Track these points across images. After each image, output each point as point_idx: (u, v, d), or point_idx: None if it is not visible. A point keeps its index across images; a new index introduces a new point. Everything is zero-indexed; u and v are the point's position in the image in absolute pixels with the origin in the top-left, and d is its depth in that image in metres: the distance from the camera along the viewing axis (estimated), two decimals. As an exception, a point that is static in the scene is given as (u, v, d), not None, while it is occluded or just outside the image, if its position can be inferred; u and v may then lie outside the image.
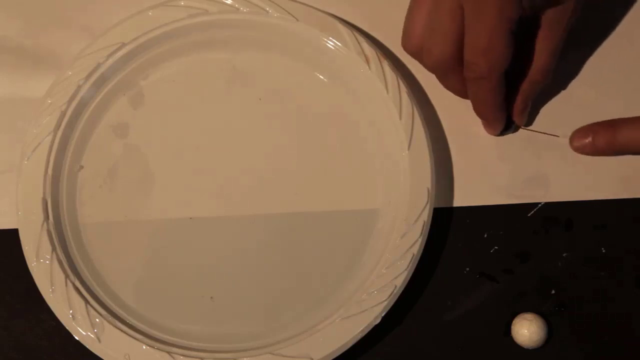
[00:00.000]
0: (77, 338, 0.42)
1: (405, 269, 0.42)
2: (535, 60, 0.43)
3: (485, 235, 0.45)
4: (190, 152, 0.46)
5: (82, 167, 0.46)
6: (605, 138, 0.45)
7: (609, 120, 0.45)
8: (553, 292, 0.44)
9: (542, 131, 0.46)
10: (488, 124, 0.46)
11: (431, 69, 0.44)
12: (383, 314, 0.42)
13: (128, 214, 0.45)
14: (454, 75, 0.44)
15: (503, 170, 0.46)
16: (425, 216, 0.43)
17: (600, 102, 0.47)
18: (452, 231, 0.45)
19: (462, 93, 0.45)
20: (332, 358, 0.42)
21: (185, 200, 0.45)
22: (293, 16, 0.46)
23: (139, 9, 0.47)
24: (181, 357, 0.42)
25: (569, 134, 0.46)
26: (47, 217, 0.44)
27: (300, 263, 0.44)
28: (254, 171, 0.46)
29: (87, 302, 0.42)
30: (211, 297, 0.44)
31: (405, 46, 0.45)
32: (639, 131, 0.44)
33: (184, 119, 0.47)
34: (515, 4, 0.39)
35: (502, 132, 0.46)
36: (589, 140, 0.45)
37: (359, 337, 0.42)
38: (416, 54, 0.45)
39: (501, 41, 0.40)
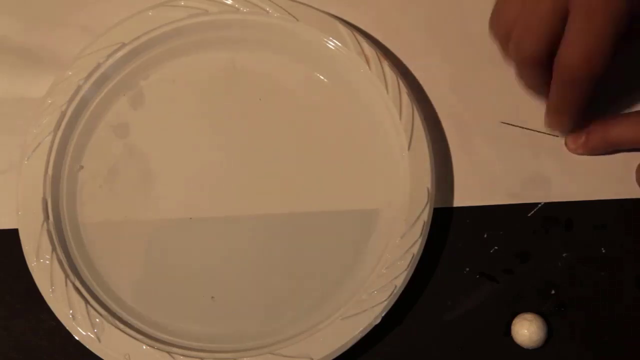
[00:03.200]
0: (77, 338, 0.42)
1: (405, 269, 0.42)
2: (566, 49, 0.39)
3: (485, 235, 0.45)
4: (190, 152, 0.46)
5: (82, 167, 0.46)
6: (598, 136, 0.45)
7: (601, 119, 0.45)
8: (553, 292, 0.44)
9: (542, 131, 0.46)
10: (559, 124, 0.44)
11: (515, 60, 0.41)
12: (383, 314, 0.42)
13: (128, 214, 0.45)
14: (538, 71, 0.41)
15: (503, 170, 0.46)
16: (425, 216, 0.43)
17: (600, 102, 0.47)
18: (452, 231, 0.45)
19: (539, 90, 0.44)
20: (332, 358, 0.42)
21: (185, 200, 0.45)
22: (293, 16, 0.46)
23: (139, 9, 0.47)
24: (181, 357, 0.42)
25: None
26: (47, 217, 0.44)
27: (301, 263, 0.44)
28: (254, 171, 0.46)
29: (87, 302, 0.42)
30: (212, 297, 0.44)
31: (493, 28, 0.42)
32: (630, 127, 0.44)
33: (184, 119, 0.47)
34: (626, 3, 0.37)
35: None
36: (582, 140, 0.45)
37: (359, 337, 0.42)
38: (502, 40, 0.42)
39: (607, 44, 0.37)
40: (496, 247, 0.45)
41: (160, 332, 0.43)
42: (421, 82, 0.48)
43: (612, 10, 0.37)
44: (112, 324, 0.42)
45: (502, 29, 0.42)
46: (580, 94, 0.40)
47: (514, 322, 0.43)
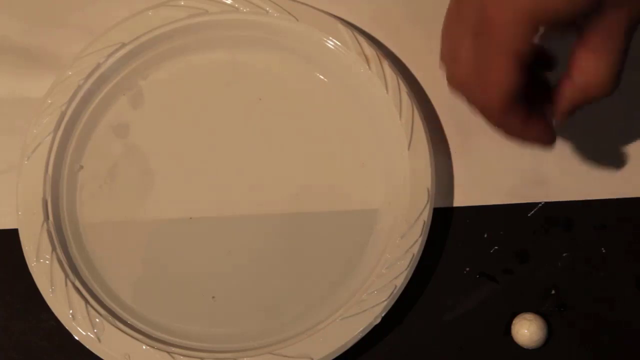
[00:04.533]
0: (77, 338, 0.42)
1: (405, 269, 0.42)
2: (583, 68, 0.36)
3: (485, 235, 0.45)
4: (190, 152, 0.46)
5: (82, 167, 0.46)
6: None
7: None
8: (553, 292, 0.44)
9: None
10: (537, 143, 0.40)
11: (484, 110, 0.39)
12: (383, 314, 0.42)
13: (128, 214, 0.45)
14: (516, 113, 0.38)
15: (503, 170, 0.46)
16: (425, 216, 0.43)
17: (601, 101, 0.47)
18: (452, 231, 0.45)
19: (524, 134, 0.39)
20: (332, 358, 0.42)
21: (185, 200, 0.45)
22: (293, 16, 0.46)
23: (139, 9, 0.47)
24: (181, 357, 0.42)
25: (568, 134, 0.46)
26: (47, 217, 0.44)
27: (300, 263, 0.44)
28: (254, 171, 0.46)
29: (87, 302, 0.42)
30: (212, 297, 0.44)
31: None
32: None
33: (184, 119, 0.47)
34: (523, 37, 0.34)
35: None
36: None
37: (359, 337, 0.42)
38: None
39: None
40: (496, 247, 0.45)
41: (160, 332, 0.43)
42: (421, 82, 0.48)
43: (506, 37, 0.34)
44: (112, 324, 0.42)
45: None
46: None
47: (514, 322, 0.43)
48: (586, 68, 0.36)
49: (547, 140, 0.39)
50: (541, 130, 0.39)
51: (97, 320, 0.42)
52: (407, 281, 0.42)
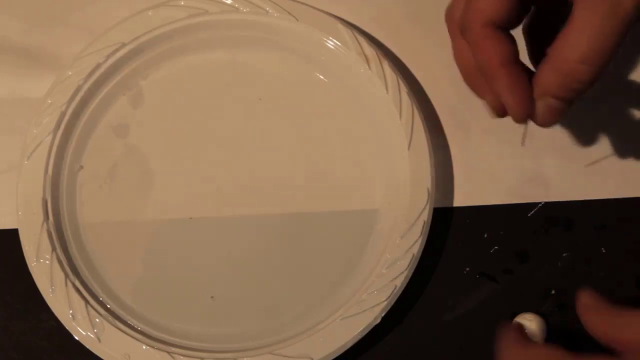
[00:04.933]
0: (77, 338, 0.42)
1: (405, 269, 0.42)
2: (562, 42, 0.33)
3: (485, 235, 0.45)
4: (190, 152, 0.46)
5: (82, 167, 0.46)
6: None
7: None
8: (553, 292, 0.44)
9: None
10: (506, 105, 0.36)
11: (463, 24, 0.36)
12: (383, 314, 0.42)
13: (128, 214, 0.45)
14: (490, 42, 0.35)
15: (503, 170, 0.46)
16: (425, 216, 0.43)
17: (601, 101, 0.47)
18: (452, 231, 0.45)
19: (492, 71, 0.35)
20: (332, 358, 0.42)
21: (185, 200, 0.45)
22: (293, 16, 0.46)
23: (139, 9, 0.46)
24: (181, 357, 0.42)
25: (568, 134, 0.46)
26: (47, 217, 0.44)
27: (301, 263, 0.44)
28: (254, 171, 0.46)
29: (87, 302, 0.42)
30: (211, 297, 0.44)
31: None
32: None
33: (184, 119, 0.47)
34: None
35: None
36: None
37: (359, 337, 0.42)
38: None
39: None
40: (496, 247, 0.45)
41: (160, 332, 0.43)
42: (421, 82, 0.48)
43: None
44: (112, 324, 0.42)
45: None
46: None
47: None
48: (565, 41, 0.33)
49: (514, 104, 0.35)
50: (513, 88, 0.35)
51: (97, 320, 0.42)
52: (407, 281, 0.42)
